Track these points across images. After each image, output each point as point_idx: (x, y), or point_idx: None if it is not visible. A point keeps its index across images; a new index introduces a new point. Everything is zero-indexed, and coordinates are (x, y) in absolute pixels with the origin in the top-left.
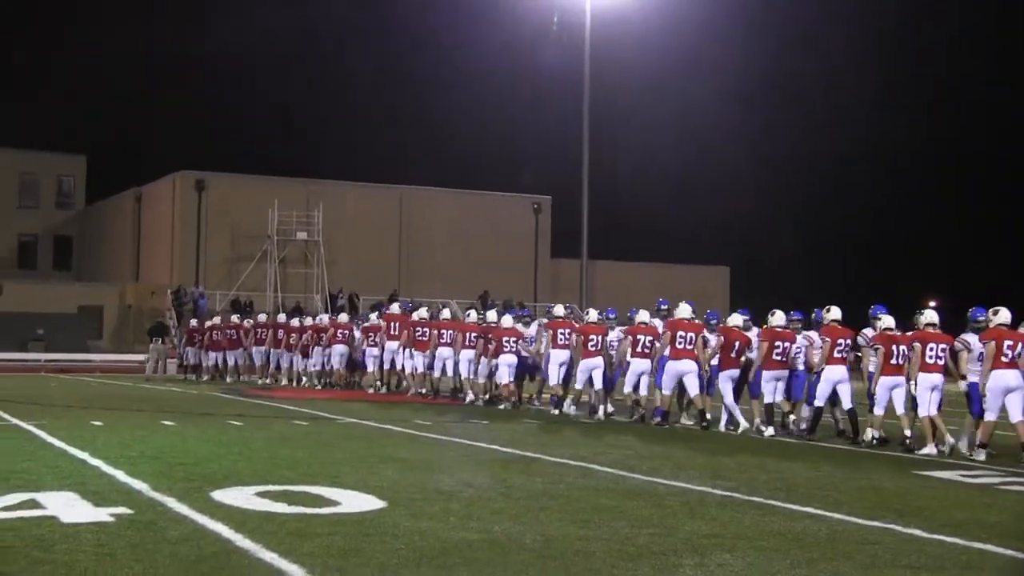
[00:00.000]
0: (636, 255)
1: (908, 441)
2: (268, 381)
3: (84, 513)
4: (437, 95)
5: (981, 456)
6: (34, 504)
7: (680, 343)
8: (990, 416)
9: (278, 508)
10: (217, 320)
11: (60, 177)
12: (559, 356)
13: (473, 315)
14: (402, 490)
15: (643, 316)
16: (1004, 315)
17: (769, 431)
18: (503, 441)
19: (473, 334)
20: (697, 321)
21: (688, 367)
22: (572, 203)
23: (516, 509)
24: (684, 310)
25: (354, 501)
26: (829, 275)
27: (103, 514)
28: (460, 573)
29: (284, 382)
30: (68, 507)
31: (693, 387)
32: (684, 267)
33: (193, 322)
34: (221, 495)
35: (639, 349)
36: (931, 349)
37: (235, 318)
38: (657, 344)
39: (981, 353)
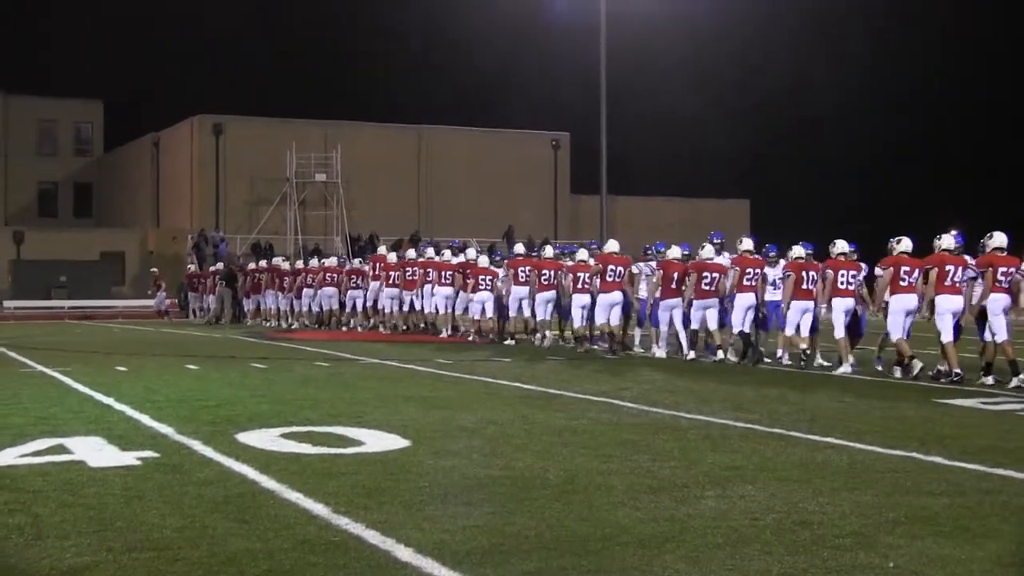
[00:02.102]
0: (656, 190)
1: (805, 356)
2: (270, 324)
3: (111, 457)
4: (453, 32)
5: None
6: (62, 449)
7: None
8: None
9: (302, 449)
10: (263, 263)
11: (78, 124)
12: (581, 299)
13: (485, 260)
14: (425, 428)
15: (708, 251)
16: (906, 243)
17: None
18: (525, 378)
19: (450, 272)
20: (718, 261)
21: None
22: (591, 139)
23: (539, 445)
24: (708, 250)
25: (377, 440)
26: (849, 205)
27: (130, 458)
28: (484, 509)
29: (272, 323)
30: (95, 451)
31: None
32: (704, 201)
33: (191, 267)
34: (246, 437)
35: (702, 287)
36: (842, 276)
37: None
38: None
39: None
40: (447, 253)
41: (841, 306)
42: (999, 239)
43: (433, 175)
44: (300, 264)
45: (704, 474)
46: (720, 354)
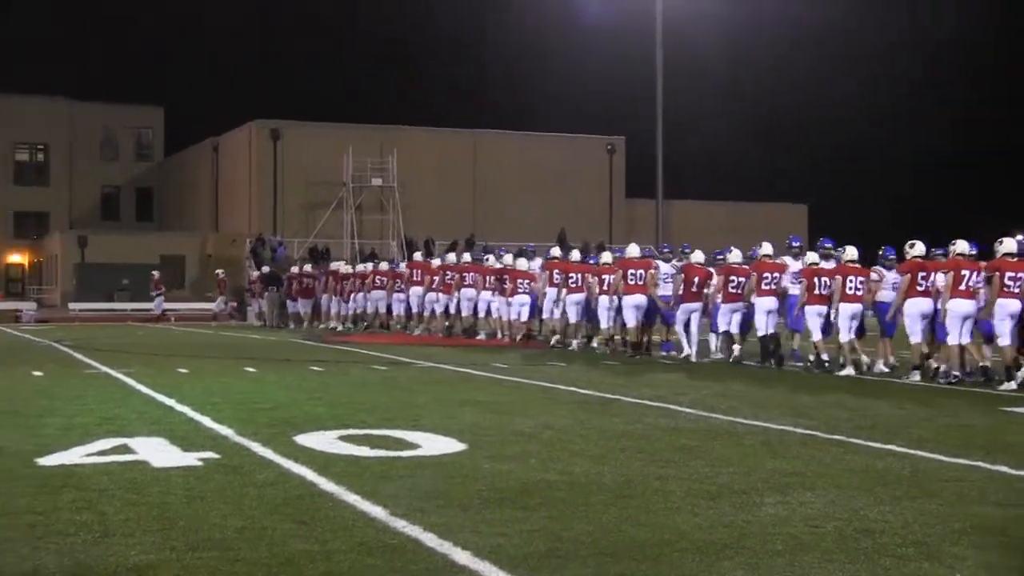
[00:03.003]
0: (712, 194)
1: (827, 363)
2: (324, 326)
3: (173, 458)
4: (509, 37)
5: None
6: (126, 449)
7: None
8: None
9: (360, 451)
10: (308, 267)
11: (139, 129)
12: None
13: (523, 263)
14: (482, 432)
15: (767, 249)
16: (919, 248)
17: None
18: (582, 383)
19: (493, 277)
20: (778, 261)
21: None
22: (646, 143)
23: (595, 450)
24: (766, 248)
25: (434, 444)
26: (907, 212)
27: (191, 458)
28: (541, 513)
29: (332, 325)
30: (158, 452)
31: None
32: (761, 205)
33: (255, 272)
34: (304, 439)
35: (763, 287)
36: (851, 281)
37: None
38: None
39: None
40: (491, 258)
41: (848, 311)
42: (1009, 245)
43: (488, 179)
44: (347, 268)
45: (763, 480)
46: (736, 351)
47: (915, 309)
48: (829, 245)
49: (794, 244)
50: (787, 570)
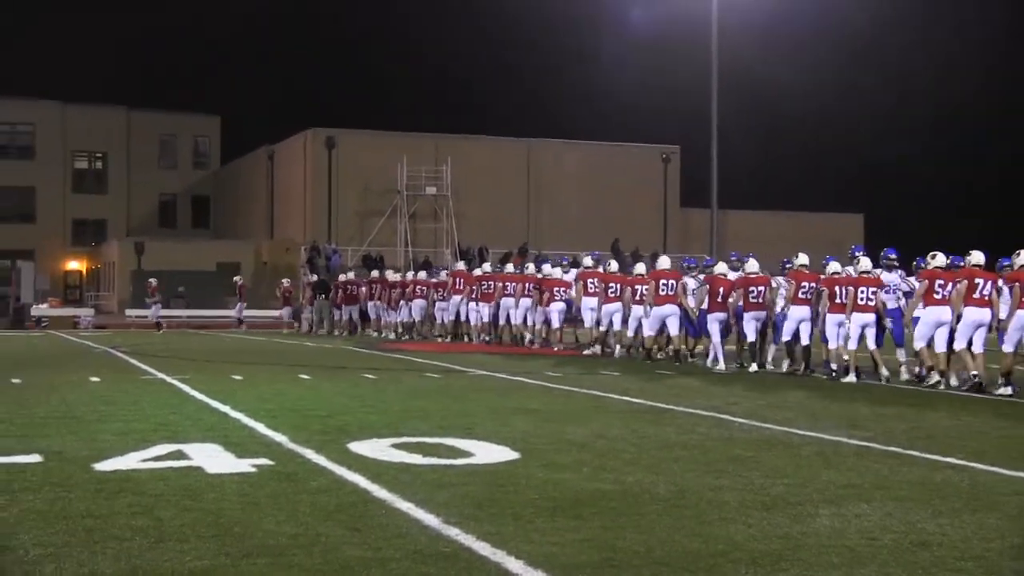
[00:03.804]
0: (767, 204)
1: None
2: (375, 334)
3: (228, 464)
4: (564, 46)
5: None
6: (181, 455)
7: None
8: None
9: (413, 459)
10: (352, 275)
11: (196, 137)
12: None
13: (558, 272)
14: (535, 441)
15: (803, 259)
16: (940, 259)
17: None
18: (634, 392)
19: (531, 285)
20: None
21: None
22: (701, 152)
23: (649, 459)
24: (802, 258)
25: (488, 452)
26: (967, 222)
27: (245, 465)
28: (594, 523)
29: (373, 334)
30: (212, 458)
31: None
32: (817, 215)
33: (312, 278)
34: (357, 447)
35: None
36: (862, 292)
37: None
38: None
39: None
40: (531, 267)
41: (859, 320)
42: None
43: (542, 188)
44: (394, 276)
45: (818, 492)
46: (754, 366)
47: (932, 317)
48: (893, 255)
49: (856, 253)
50: None
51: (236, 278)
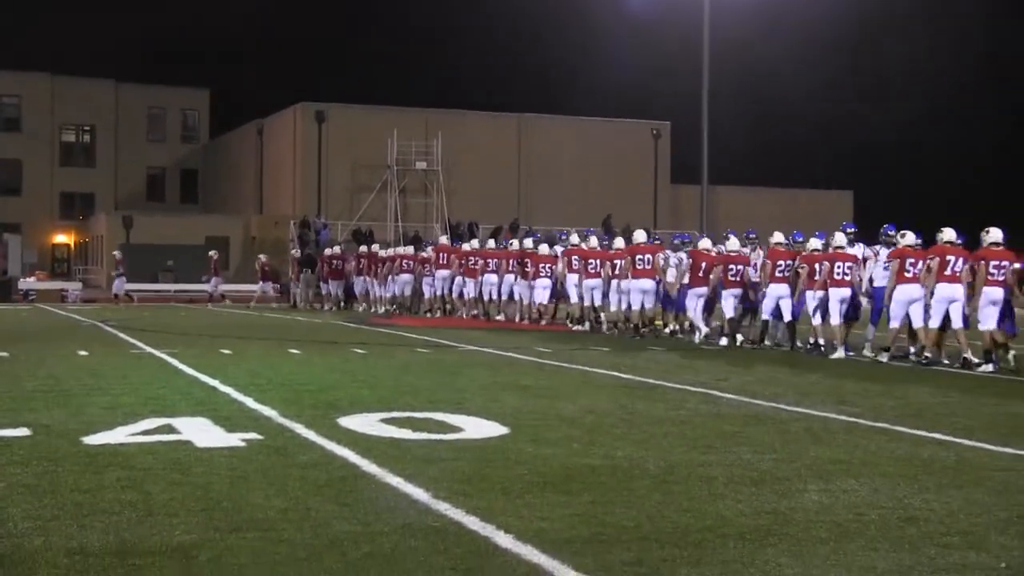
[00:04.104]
0: (757, 180)
1: (823, 347)
2: (361, 308)
3: (217, 438)
4: (554, 21)
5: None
6: (170, 429)
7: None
8: (894, 324)
9: (403, 434)
10: (337, 249)
11: (185, 111)
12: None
13: (544, 248)
14: (524, 416)
15: (778, 237)
16: (910, 238)
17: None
18: (624, 368)
19: (515, 261)
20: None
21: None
22: (692, 128)
23: (638, 435)
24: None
25: (477, 427)
26: (954, 199)
27: (235, 439)
28: (583, 498)
29: (360, 308)
30: (202, 432)
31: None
32: (806, 192)
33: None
34: (347, 421)
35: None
36: (839, 267)
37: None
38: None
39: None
40: (515, 243)
41: (837, 295)
42: (995, 234)
43: (533, 163)
44: (382, 251)
45: (806, 467)
46: (732, 341)
47: (903, 295)
48: (893, 232)
49: (848, 230)
50: (831, 558)
51: (211, 252)
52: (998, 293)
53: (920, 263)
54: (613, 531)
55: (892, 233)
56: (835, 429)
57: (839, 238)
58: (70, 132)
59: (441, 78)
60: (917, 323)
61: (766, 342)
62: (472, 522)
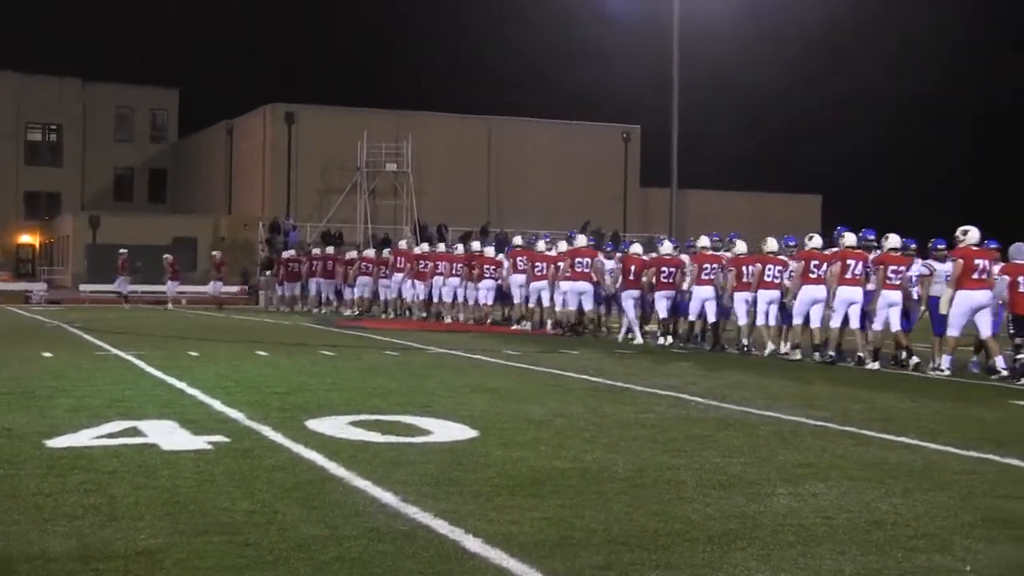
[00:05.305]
0: (726, 184)
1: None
2: (315, 310)
3: (183, 441)
4: (524, 24)
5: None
6: (136, 432)
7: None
8: (797, 321)
9: (371, 437)
10: (293, 252)
11: (153, 111)
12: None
13: (491, 251)
14: (493, 419)
15: (704, 242)
16: (816, 241)
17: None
18: (593, 371)
19: (460, 264)
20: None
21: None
22: (662, 132)
23: (607, 438)
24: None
25: (446, 430)
26: (923, 203)
27: (201, 442)
28: (552, 501)
29: (314, 310)
30: (168, 435)
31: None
32: (775, 196)
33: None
34: (315, 424)
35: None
36: (769, 270)
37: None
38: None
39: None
40: (459, 247)
41: (765, 297)
42: (894, 240)
43: (503, 166)
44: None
45: (775, 471)
46: (664, 340)
47: (807, 295)
48: (871, 237)
49: (868, 237)
50: (799, 561)
51: (165, 256)
52: (896, 296)
53: (825, 265)
54: (582, 534)
55: (942, 248)
56: (804, 433)
57: (770, 243)
58: (36, 131)
59: (412, 80)
60: (815, 323)
61: (693, 343)
62: (440, 526)
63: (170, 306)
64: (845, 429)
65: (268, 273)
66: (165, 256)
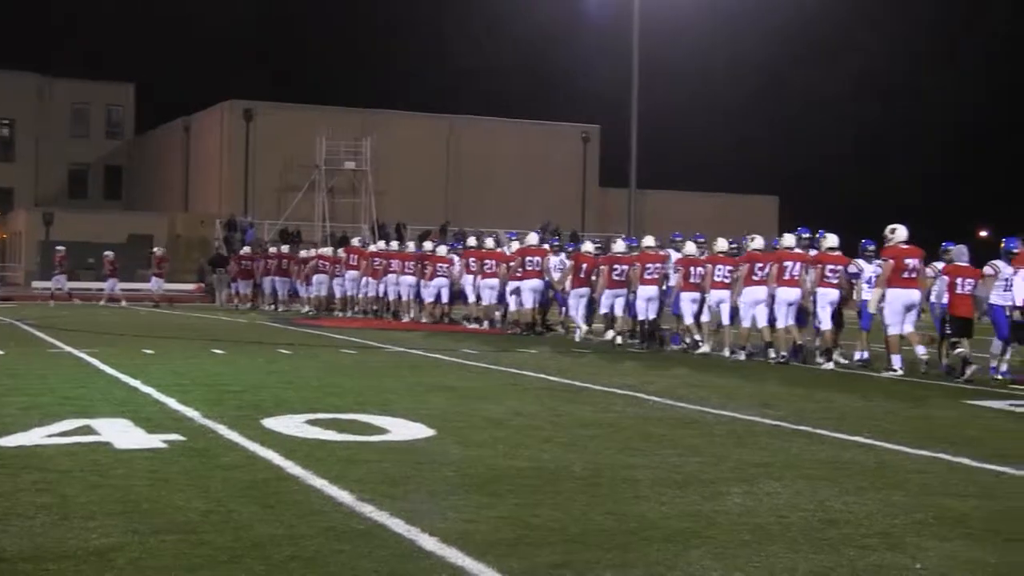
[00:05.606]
0: (685, 184)
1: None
2: (268, 307)
3: (138, 440)
4: (485, 23)
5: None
6: (89, 430)
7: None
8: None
9: (328, 436)
10: (247, 250)
11: (109, 106)
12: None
13: (443, 249)
14: (451, 418)
15: (648, 241)
16: (758, 242)
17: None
18: (551, 370)
19: (412, 262)
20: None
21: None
22: (621, 132)
23: (565, 437)
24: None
25: (403, 429)
26: (881, 204)
27: (156, 440)
28: (509, 500)
29: (268, 307)
30: (122, 433)
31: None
32: (733, 196)
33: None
34: (272, 423)
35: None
36: (719, 270)
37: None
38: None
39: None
40: (411, 245)
41: (715, 297)
42: (831, 240)
43: (463, 165)
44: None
45: (730, 470)
46: (617, 338)
47: (750, 297)
48: (807, 235)
49: (803, 235)
50: (753, 559)
51: (106, 252)
52: (834, 295)
53: (767, 267)
54: (539, 533)
55: (871, 248)
56: (759, 432)
57: (688, 247)
58: None
59: (372, 78)
60: (761, 323)
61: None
62: (397, 524)
63: (123, 303)
64: (799, 428)
65: (221, 270)
66: (106, 253)
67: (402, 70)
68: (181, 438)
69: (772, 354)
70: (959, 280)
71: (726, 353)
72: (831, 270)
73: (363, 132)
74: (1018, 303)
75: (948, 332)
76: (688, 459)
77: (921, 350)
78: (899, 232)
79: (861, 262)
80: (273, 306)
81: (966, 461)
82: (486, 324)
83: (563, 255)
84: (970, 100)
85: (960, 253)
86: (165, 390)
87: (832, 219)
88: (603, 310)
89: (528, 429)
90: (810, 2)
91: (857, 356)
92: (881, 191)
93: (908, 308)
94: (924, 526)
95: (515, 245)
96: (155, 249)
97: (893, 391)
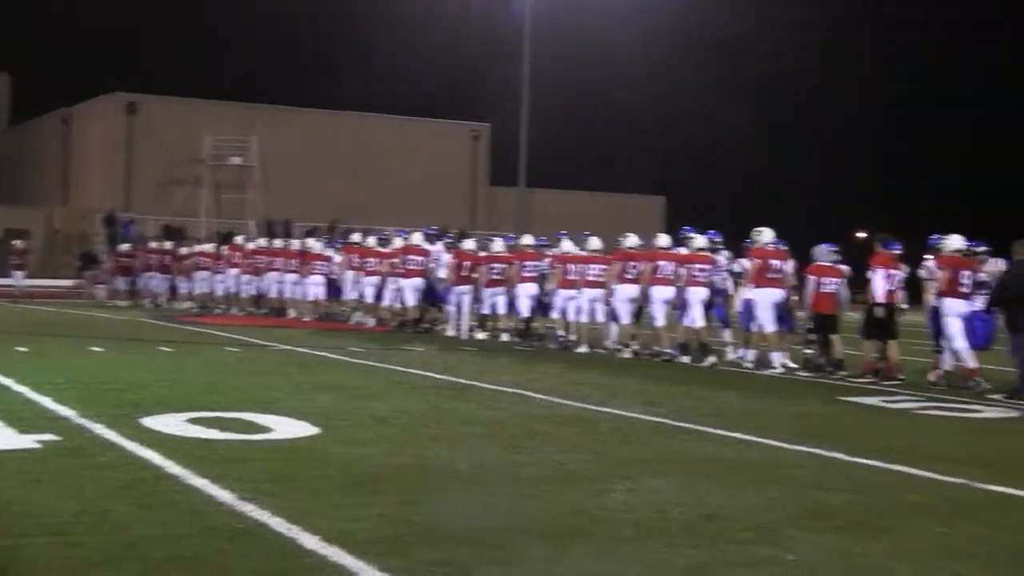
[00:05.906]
0: (574, 184)
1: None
2: (146, 302)
3: (8, 440)
4: (377, 19)
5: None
6: None
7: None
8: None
9: (209, 435)
10: (126, 247)
11: None
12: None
13: (319, 246)
14: (336, 417)
15: (528, 240)
16: (632, 240)
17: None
18: (437, 368)
19: (294, 260)
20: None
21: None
22: (511, 131)
23: (450, 435)
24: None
25: (287, 428)
26: (767, 206)
27: (29, 441)
28: (391, 498)
29: (147, 304)
30: None
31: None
32: (621, 196)
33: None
34: (151, 422)
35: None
36: (592, 269)
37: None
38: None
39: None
40: (293, 242)
41: (624, 295)
42: (699, 241)
43: (352, 163)
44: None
45: (613, 467)
46: (503, 336)
47: (623, 294)
48: (719, 239)
49: (687, 233)
50: (634, 555)
51: (14, 242)
52: (702, 292)
53: (641, 265)
54: (420, 531)
55: (718, 240)
56: (642, 429)
57: (593, 242)
58: None
59: (261, 73)
60: (661, 322)
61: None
62: (278, 523)
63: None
64: (681, 425)
65: (95, 266)
66: (14, 242)
67: (291, 66)
68: (56, 438)
69: (662, 351)
70: (824, 279)
71: (605, 348)
72: (700, 269)
73: (250, 127)
74: (878, 299)
75: (811, 328)
76: (572, 456)
77: (751, 357)
78: (765, 234)
79: (745, 262)
80: (152, 302)
81: (840, 456)
82: (371, 322)
83: (443, 250)
84: (854, 104)
85: (821, 253)
86: (39, 389)
87: (719, 220)
88: (485, 309)
89: (413, 427)
90: (703, 2)
91: (736, 354)
92: (767, 193)
93: (776, 306)
94: (797, 518)
95: (398, 242)
96: (15, 241)
97: (772, 389)
